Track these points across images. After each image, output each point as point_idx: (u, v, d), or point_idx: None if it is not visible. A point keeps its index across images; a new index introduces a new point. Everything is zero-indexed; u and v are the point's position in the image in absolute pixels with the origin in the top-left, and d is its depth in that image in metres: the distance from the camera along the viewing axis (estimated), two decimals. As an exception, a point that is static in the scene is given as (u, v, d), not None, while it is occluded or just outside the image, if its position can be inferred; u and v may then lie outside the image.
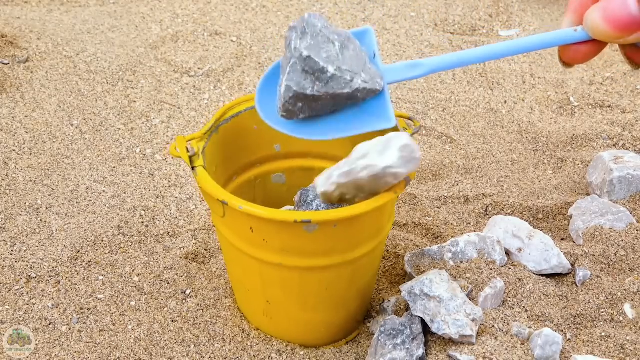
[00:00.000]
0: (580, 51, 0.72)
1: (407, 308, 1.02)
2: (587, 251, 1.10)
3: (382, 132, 0.87)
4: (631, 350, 0.96)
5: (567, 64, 0.75)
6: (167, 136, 1.45)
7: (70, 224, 1.22)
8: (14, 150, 1.37)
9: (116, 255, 1.16)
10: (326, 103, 0.83)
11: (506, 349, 0.93)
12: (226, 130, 1.03)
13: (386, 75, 0.83)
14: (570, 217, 1.22)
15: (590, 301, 1.03)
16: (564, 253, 1.11)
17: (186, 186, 1.33)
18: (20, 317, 1.05)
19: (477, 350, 0.93)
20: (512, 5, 1.99)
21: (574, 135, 1.50)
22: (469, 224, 1.25)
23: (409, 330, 0.96)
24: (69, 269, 1.13)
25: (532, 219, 1.25)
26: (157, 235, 1.21)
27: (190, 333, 1.04)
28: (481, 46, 0.79)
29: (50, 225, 1.21)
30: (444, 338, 0.96)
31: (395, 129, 0.98)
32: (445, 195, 1.32)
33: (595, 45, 0.71)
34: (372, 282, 1.06)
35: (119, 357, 1.00)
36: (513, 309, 1.02)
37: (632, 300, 1.02)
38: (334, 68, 0.80)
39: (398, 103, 1.59)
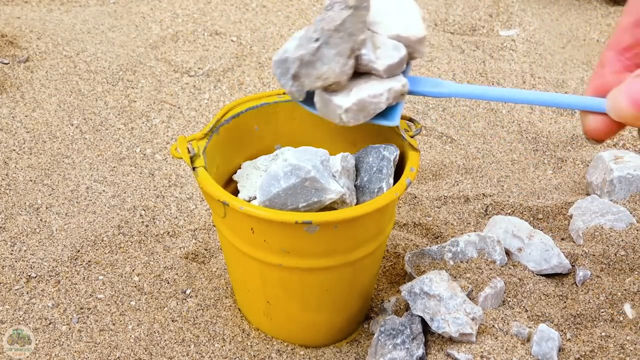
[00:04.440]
0: (602, 125, 0.70)
1: (407, 308, 1.02)
2: (587, 251, 1.10)
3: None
4: (631, 350, 0.96)
5: (594, 139, 0.73)
6: (167, 136, 1.45)
7: (70, 223, 1.22)
8: (14, 150, 1.37)
9: (116, 255, 1.16)
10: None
11: (505, 349, 0.93)
12: (227, 131, 1.03)
13: (410, 83, 0.84)
14: (570, 217, 1.22)
15: (590, 301, 1.03)
16: (564, 253, 1.11)
17: (186, 186, 1.33)
18: (20, 316, 1.05)
19: (475, 349, 0.93)
20: (512, 5, 1.99)
21: (574, 135, 1.50)
22: (469, 223, 1.25)
23: (408, 330, 0.96)
24: (69, 268, 1.13)
25: (532, 218, 1.25)
26: (157, 235, 1.21)
27: (191, 333, 1.04)
28: (506, 88, 0.80)
29: (50, 225, 1.21)
30: (443, 337, 0.96)
31: (395, 131, 0.98)
32: (446, 195, 1.32)
33: (617, 123, 0.69)
34: (373, 283, 1.06)
35: (119, 357, 1.00)
36: (513, 308, 1.02)
37: (632, 300, 1.02)
38: None
39: (398, 103, 1.59)
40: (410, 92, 0.84)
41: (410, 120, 1.01)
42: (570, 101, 0.75)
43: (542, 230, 1.21)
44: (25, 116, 1.46)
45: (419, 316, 0.97)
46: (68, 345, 1.02)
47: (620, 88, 0.65)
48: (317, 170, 0.87)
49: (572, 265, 1.10)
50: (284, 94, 1.08)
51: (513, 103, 0.83)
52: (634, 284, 1.04)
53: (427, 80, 0.84)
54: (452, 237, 1.16)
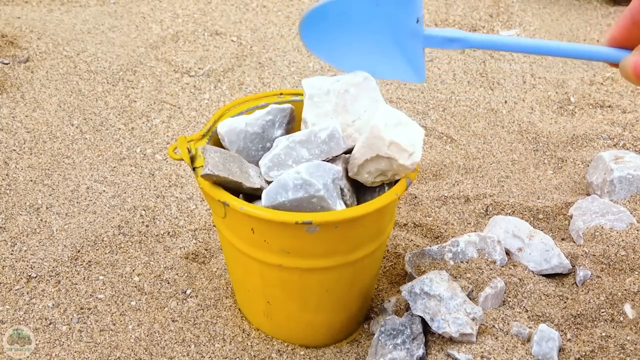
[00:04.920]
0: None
1: (408, 308, 1.02)
2: (587, 251, 1.10)
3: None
4: (631, 350, 0.96)
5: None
6: (167, 136, 1.45)
7: (70, 223, 1.22)
8: (14, 150, 1.37)
9: (116, 255, 1.16)
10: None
11: (506, 349, 0.93)
12: (227, 131, 1.03)
13: (425, 40, 0.88)
14: (571, 217, 1.22)
15: (591, 301, 1.03)
16: (564, 253, 1.11)
17: (186, 186, 1.33)
18: (20, 317, 1.05)
19: (475, 349, 0.93)
20: (512, 5, 1.99)
21: (574, 135, 1.50)
22: (470, 223, 1.25)
23: (409, 330, 0.96)
24: (69, 268, 1.13)
25: (532, 219, 1.25)
26: (157, 235, 1.21)
27: (191, 333, 1.04)
28: (524, 38, 0.82)
29: (51, 225, 1.21)
30: (443, 337, 0.96)
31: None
32: (446, 195, 1.32)
33: None
34: (373, 283, 1.06)
35: (119, 357, 1.00)
36: (513, 309, 1.02)
37: (632, 300, 1.02)
38: None
39: (398, 103, 1.59)
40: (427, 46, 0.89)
41: None
42: (590, 52, 0.79)
43: (542, 230, 1.21)
44: (26, 116, 1.46)
45: (419, 316, 0.97)
46: (68, 345, 1.02)
47: (628, 60, 0.70)
48: (327, 189, 0.87)
49: (573, 266, 1.10)
50: (281, 94, 1.08)
51: (531, 54, 0.88)
52: (634, 284, 1.04)
53: (442, 36, 0.87)
54: (452, 237, 1.16)
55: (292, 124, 1.02)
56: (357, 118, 0.95)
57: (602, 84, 1.70)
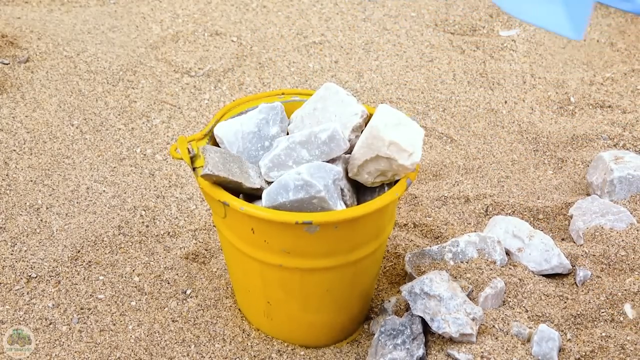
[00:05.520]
0: None
1: (408, 308, 1.02)
2: (587, 251, 1.10)
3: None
4: (631, 350, 0.96)
5: None
6: (167, 136, 1.45)
7: (70, 223, 1.22)
8: (14, 150, 1.37)
9: (116, 255, 1.16)
10: None
11: (506, 349, 0.93)
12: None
13: None
14: (571, 217, 1.22)
15: (591, 301, 1.03)
16: (565, 253, 1.11)
17: (186, 186, 1.33)
18: (20, 317, 1.05)
19: (475, 349, 0.93)
20: (512, 5, 1.99)
21: (574, 135, 1.50)
22: (470, 224, 1.25)
23: (409, 330, 0.96)
24: (70, 269, 1.13)
25: (532, 219, 1.25)
26: (157, 235, 1.21)
27: (191, 333, 1.04)
28: None
29: (51, 225, 1.21)
30: (443, 337, 0.96)
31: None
32: (446, 195, 1.32)
33: None
34: (373, 283, 1.06)
35: (119, 357, 1.00)
36: (513, 309, 1.02)
37: (632, 300, 1.02)
38: None
39: (398, 103, 1.59)
40: None
41: None
42: None
43: (542, 230, 1.21)
44: (26, 116, 1.46)
45: (419, 316, 0.97)
46: (68, 345, 1.02)
47: None
48: (327, 190, 0.87)
49: (573, 266, 1.10)
50: (282, 94, 1.08)
51: None
52: (634, 284, 1.04)
53: None
54: (452, 237, 1.16)
55: (287, 121, 1.02)
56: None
57: (602, 84, 1.70)
